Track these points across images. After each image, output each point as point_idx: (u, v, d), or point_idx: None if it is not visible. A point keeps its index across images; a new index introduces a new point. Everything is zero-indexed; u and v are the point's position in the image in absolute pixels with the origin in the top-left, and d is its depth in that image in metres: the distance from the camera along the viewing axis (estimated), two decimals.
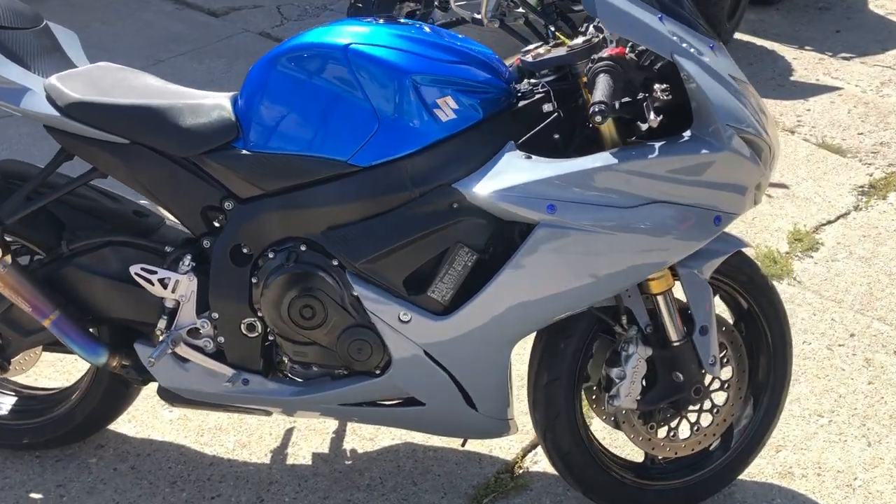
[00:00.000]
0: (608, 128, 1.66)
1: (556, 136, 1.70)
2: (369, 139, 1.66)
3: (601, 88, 1.51)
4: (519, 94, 1.74)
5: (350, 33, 1.71)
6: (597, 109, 1.47)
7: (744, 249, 1.86)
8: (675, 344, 1.79)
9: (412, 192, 1.66)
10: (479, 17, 3.72)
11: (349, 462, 2.14)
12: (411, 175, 1.66)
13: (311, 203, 1.71)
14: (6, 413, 2.11)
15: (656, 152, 1.61)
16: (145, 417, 2.26)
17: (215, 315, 1.80)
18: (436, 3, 3.77)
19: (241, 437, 2.20)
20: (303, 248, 1.74)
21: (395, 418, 1.90)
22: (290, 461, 2.14)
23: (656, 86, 1.58)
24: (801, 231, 3.05)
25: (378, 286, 1.71)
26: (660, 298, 1.78)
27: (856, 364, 2.44)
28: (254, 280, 1.77)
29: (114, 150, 1.76)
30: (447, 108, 1.65)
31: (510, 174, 1.61)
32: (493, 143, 1.67)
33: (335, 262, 1.73)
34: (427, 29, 1.82)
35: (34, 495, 2.04)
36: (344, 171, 1.68)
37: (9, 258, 1.81)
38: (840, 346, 2.51)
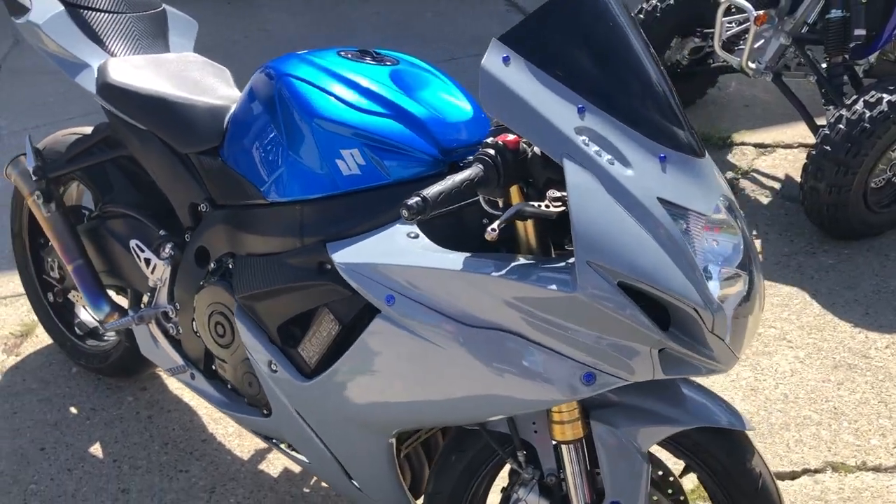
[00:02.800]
0: (525, 228, 1.34)
1: (485, 222, 1.38)
2: (277, 175, 1.57)
3: (443, 182, 1.22)
4: (459, 164, 1.48)
5: (306, 63, 1.60)
6: (408, 202, 1.18)
7: (738, 429, 1.39)
8: None
9: (297, 240, 1.53)
10: (752, 66, 3.21)
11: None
12: (301, 222, 1.53)
13: (241, 225, 1.68)
14: (82, 331, 2.48)
15: (507, 270, 1.25)
16: None
17: (178, 306, 1.89)
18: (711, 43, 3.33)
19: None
20: (230, 266, 1.72)
21: (295, 460, 1.80)
22: (266, 462, 2.17)
23: (550, 192, 1.26)
24: None
25: (257, 326, 1.63)
26: (563, 448, 1.42)
27: None
28: (201, 283, 1.81)
29: (133, 132, 1.92)
30: (351, 162, 1.48)
31: (373, 249, 1.41)
32: (392, 212, 1.43)
33: None
34: (416, 70, 1.63)
35: (72, 410, 2.38)
36: (257, 202, 1.62)
37: (53, 205, 2.11)
38: None
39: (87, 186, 2.19)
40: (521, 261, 1.29)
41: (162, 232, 1.94)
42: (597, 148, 1.21)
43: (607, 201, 1.19)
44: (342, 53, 1.64)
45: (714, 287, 1.22)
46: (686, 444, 1.40)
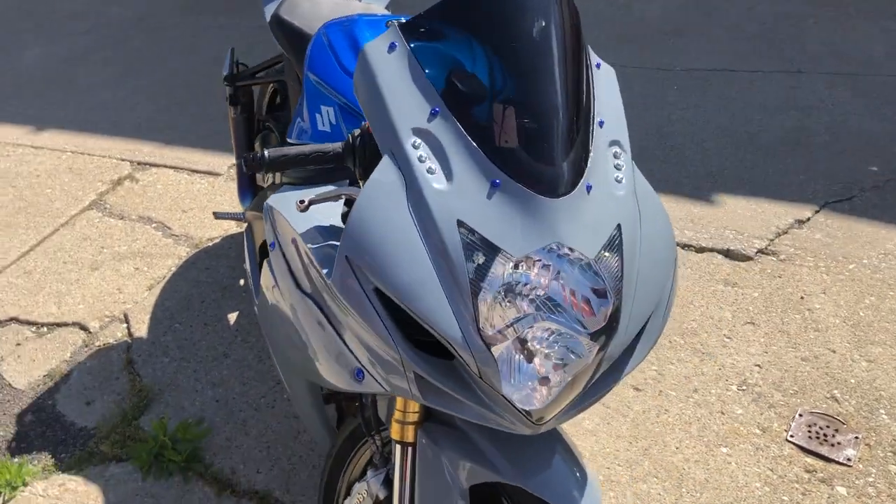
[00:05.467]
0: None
1: None
2: (293, 118, 1.74)
3: (296, 147, 1.27)
4: None
5: (347, 24, 1.74)
6: (246, 155, 1.27)
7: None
8: None
9: (273, 178, 1.71)
10: None
11: None
12: (283, 165, 1.41)
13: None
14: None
15: (317, 245, 1.28)
16: None
17: None
18: None
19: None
20: None
21: None
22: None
23: None
24: None
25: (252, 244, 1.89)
26: (397, 447, 1.34)
27: None
28: None
29: (286, 60, 2.12)
30: (326, 119, 1.58)
31: (289, 199, 1.45)
32: (336, 174, 1.50)
33: None
34: None
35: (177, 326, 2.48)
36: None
37: (232, 110, 2.47)
38: None
39: (260, 99, 2.56)
40: (334, 241, 1.28)
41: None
42: (424, 154, 1.14)
43: (397, 206, 1.11)
44: (388, 23, 1.71)
45: (489, 331, 1.07)
46: (515, 496, 1.29)
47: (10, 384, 2.51)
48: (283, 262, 1.38)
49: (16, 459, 2.23)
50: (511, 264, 1.08)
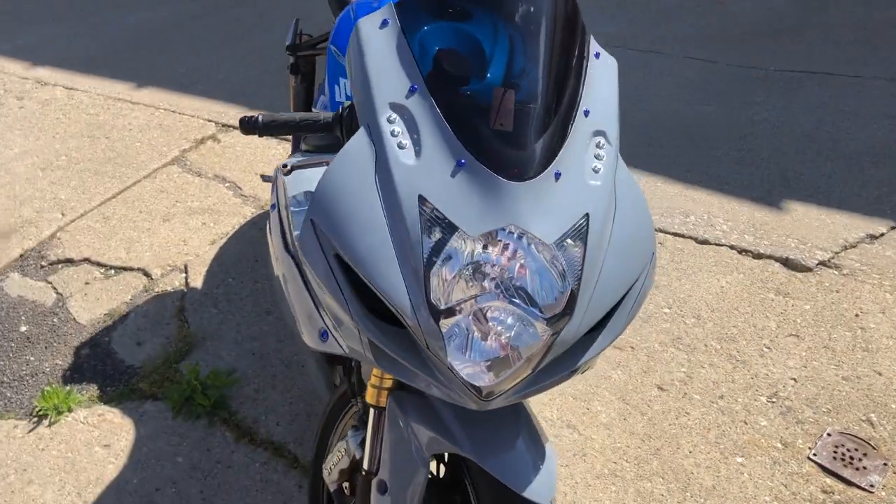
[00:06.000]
0: None
1: None
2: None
3: (287, 115, 1.34)
4: None
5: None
6: (244, 117, 1.33)
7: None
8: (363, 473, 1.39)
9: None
10: None
11: None
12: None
13: None
14: None
15: (297, 200, 1.37)
16: None
17: None
18: None
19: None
20: None
21: None
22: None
23: None
24: None
25: None
26: (371, 411, 1.37)
27: None
28: None
29: None
30: (343, 91, 1.63)
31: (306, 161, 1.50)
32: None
33: None
34: None
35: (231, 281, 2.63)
36: None
37: (293, 79, 2.61)
38: None
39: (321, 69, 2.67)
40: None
41: None
42: (398, 129, 1.16)
43: (364, 176, 1.14)
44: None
45: (441, 305, 1.08)
46: (473, 469, 1.31)
47: (74, 318, 2.70)
48: (277, 223, 1.44)
49: (67, 387, 2.41)
50: (472, 242, 1.10)
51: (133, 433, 2.24)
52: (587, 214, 1.16)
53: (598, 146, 1.23)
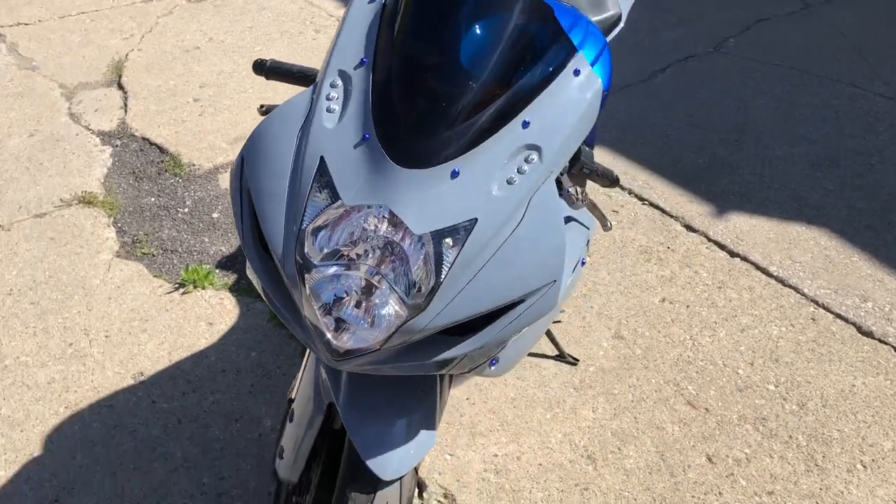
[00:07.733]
0: None
1: None
2: None
3: (290, 64, 1.56)
4: None
5: None
6: (258, 59, 1.54)
7: None
8: None
9: None
10: None
11: None
12: None
13: None
14: None
15: None
16: None
17: None
18: None
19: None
20: None
21: None
22: None
23: None
24: None
25: None
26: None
27: None
28: None
29: None
30: None
31: None
32: None
33: None
34: None
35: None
36: None
37: None
38: None
39: None
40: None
41: None
42: (335, 94, 1.27)
43: (292, 128, 1.26)
44: None
45: (312, 260, 1.15)
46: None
47: None
48: None
49: (212, 269, 2.83)
50: (351, 210, 1.16)
51: (234, 321, 2.59)
52: (475, 219, 1.17)
53: (526, 160, 1.22)
